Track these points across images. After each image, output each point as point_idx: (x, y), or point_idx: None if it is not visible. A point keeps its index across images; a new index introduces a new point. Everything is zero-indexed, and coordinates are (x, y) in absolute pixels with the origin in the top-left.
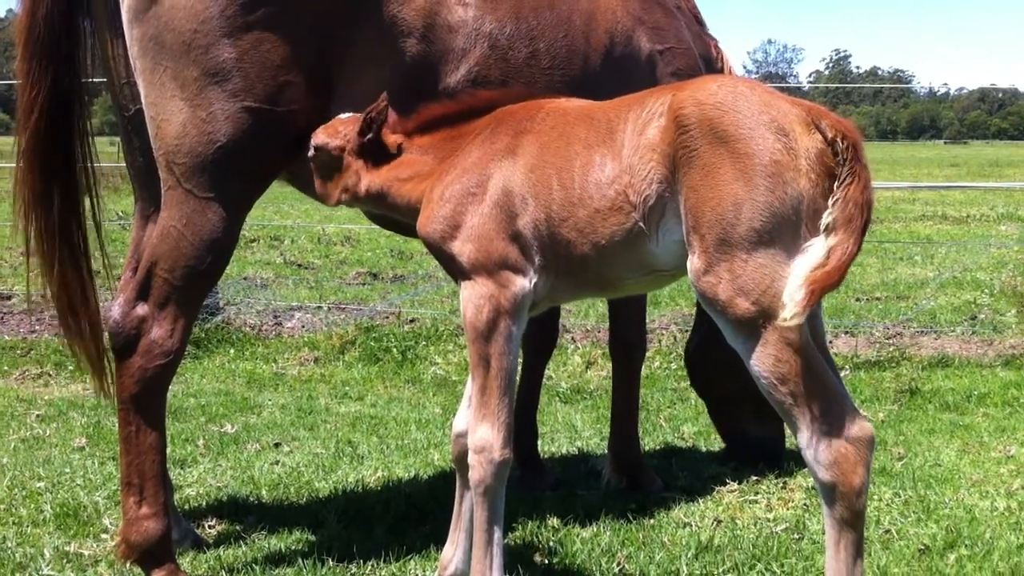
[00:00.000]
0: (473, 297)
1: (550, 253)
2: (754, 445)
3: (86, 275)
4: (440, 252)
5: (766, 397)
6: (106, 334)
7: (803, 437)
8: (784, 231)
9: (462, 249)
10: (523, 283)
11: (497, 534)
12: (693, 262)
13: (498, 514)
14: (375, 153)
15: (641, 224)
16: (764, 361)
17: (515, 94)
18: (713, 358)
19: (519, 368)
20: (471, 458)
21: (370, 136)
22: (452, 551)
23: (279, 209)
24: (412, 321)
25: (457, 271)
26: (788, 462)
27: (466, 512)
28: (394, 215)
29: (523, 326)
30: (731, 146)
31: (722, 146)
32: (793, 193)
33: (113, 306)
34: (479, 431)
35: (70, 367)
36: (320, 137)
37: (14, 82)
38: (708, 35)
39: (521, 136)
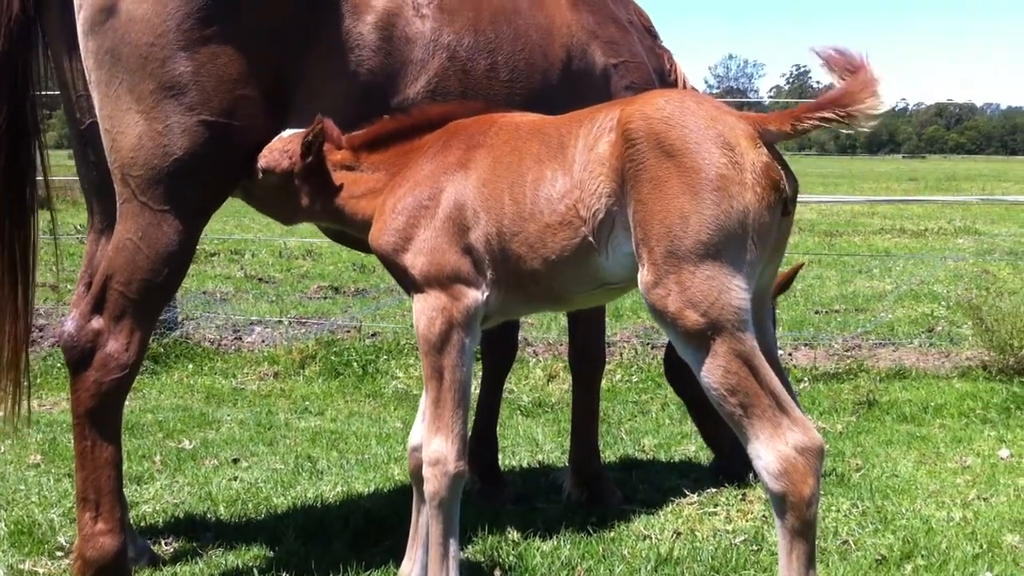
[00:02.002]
0: (426, 309)
1: (501, 267)
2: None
3: (26, 291)
4: (392, 265)
5: (716, 409)
6: (60, 349)
7: (753, 448)
8: (731, 244)
9: (414, 262)
10: (475, 295)
11: (453, 547)
12: (642, 275)
13: (453, 526)
14: (323, 173)
15: (591, 239)
16: (714, 372)
17: (469, 108)
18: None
19: (479, 381)
20: (426, 471)
21: (311, 159)
22: (410, 566)
23: (240, 223)
24: (373, 335)
25: (409, 284)
26: (749, 473)
27: (423, 526)
28: (350, 231)
29: (477, 338)
30: (678, 160)
31: (669, 160)
32: (739, 207)
33: (67, 320)
34: (433, 444)
35: (25, 383)
36: (265, 160)
37: None
38: (661, 48)
39: (474, 150)
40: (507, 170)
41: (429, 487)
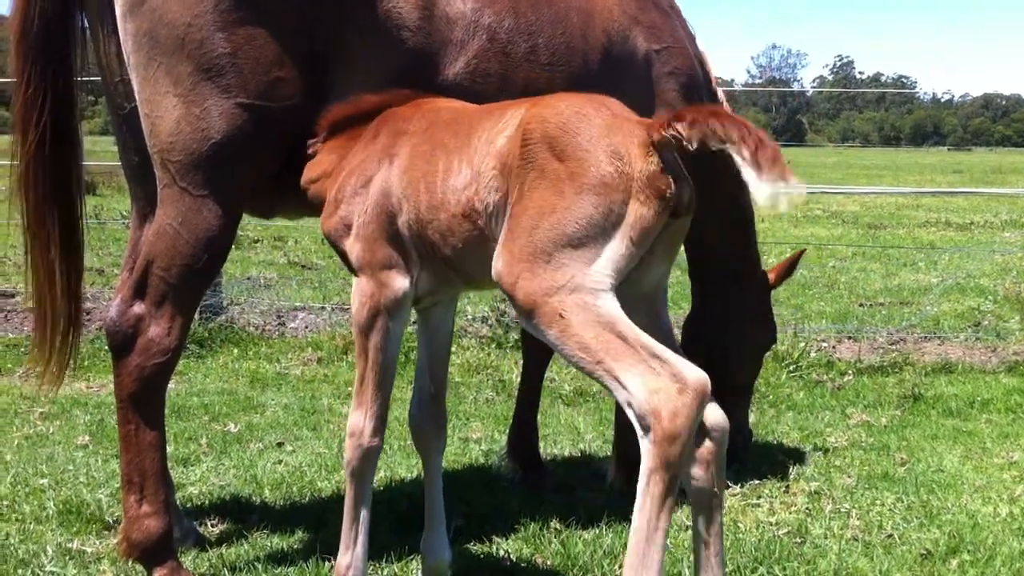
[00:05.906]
0: (357, 294)
1: (423, 252)
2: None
3: (77, 276)
4: (337, 249)
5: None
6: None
7: (622, 393)
8: (597, 243)
9: (352, 247)
10: (402, 283)
11: (364, 513)
12: (497, 261)
13: (365, 495)
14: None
15: (485, 230)
16: (568, 343)
17: (401, 96)
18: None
19: (519, 369)
20: (345, 441)
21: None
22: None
23: None
24: (414, 323)
25: (350, 267)
26: (792, 466)
27: (432, 494)
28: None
29: (404, 323)
30: (566, 164)
31: (557, 163)
32: (618, 211)
33: (110, 306)
34: (353, 417)
35: (74, 365)
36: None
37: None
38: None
39: (398, 137)
40: (422, 159)
41: (345, 455)
